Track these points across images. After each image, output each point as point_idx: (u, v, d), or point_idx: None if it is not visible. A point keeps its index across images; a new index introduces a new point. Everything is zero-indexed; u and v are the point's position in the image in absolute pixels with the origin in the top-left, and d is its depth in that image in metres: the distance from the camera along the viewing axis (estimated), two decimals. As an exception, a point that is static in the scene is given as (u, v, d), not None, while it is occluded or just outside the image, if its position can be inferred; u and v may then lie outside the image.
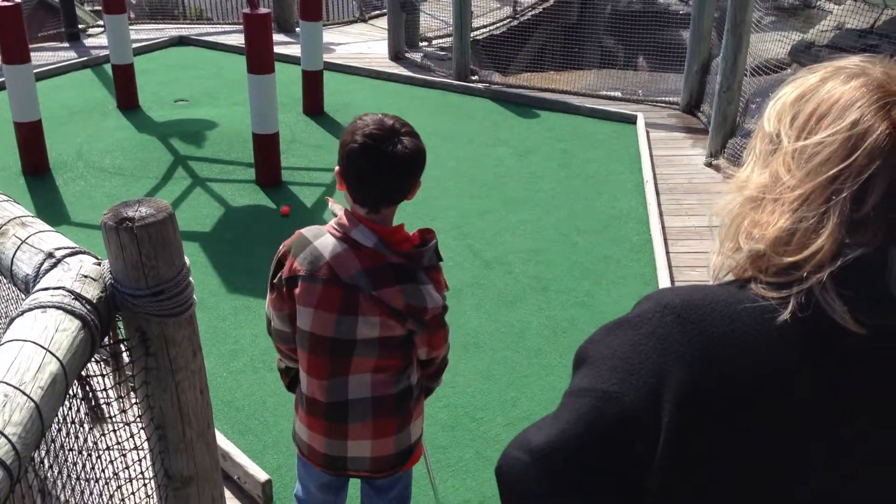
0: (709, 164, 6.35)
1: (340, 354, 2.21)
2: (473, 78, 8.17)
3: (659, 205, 5.68)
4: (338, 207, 2.25)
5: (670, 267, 4.91)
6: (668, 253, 5.06)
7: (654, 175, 6.12)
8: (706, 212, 5.44)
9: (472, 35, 8.36)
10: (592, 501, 1.06)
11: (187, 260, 1.55)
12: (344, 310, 2.14)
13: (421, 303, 2.15)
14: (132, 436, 1.65)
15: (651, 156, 6.45)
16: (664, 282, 4.72)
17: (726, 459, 1.02)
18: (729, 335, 1.01)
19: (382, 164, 2.08)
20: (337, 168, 2.18)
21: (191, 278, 1.55)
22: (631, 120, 7.21)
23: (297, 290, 2.18)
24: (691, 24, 7.21)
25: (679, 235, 5.31)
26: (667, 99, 7.70)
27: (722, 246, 1.10)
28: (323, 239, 2.18)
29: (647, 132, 6.92)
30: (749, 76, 6.48)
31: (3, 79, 6.24)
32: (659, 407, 1.01)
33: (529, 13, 10.67)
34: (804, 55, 7.24)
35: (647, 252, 5.16)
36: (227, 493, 3.21)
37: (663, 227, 5.36)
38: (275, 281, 2.24)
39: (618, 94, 8.00)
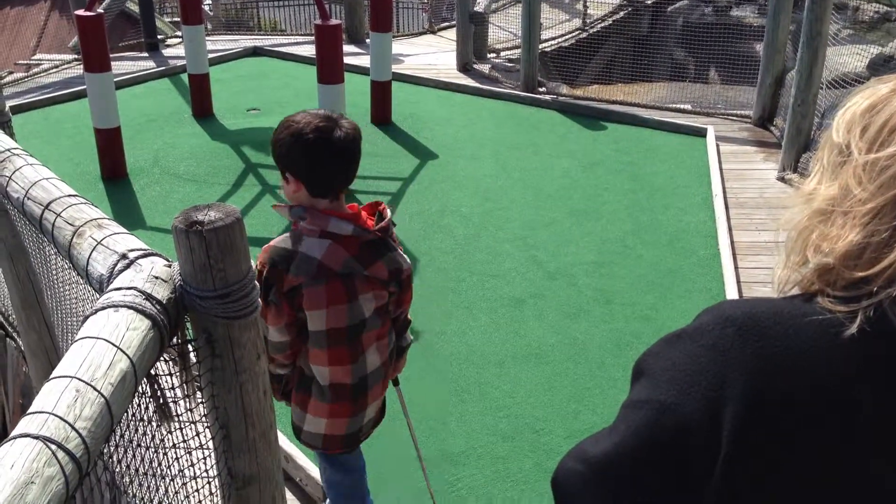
0: (781, 179, 6.21)
1: (355, 337, 2.38)
2: (541, 89, 8.16)
3: (728, 219, 5.58)
4: (283, 209, 2.35)
5: (739, 282, 4.81)
6: (736, 268, 4.96)
7: (724, 189, 6.01)
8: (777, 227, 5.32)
9: (540, 47, 8.35)
10: None
11: (253, 264, 1.59)
12: (350, 298, 2.32)
13: (398, 266, 2.41)
14: (197, 434, 1.69)
15: (721, 169, 6.34)
16: (732, 296, 4.62)
17: (787, 475, 0.99)
18: (792, 348, 0.99)
19: (339, 150, 2.26)
20: (286, 174, 2.30)
21: (256, 282, 1.58)
22: (701, 133, 7.10)
23: (303, 300, 2.28)
24: (765, 36, 7.07)
25: (749, 251, 5.20)
26: (739, 112, 7.57)
27: (788, 259, 1.08)
28: (305, 243, 2.29)
29: (718, 145, 6.81)
30: (825, 89, 6.32)
31: (84, 87, 6.47)
32: (718, 420, 0.99)
33: (599, 25, 10.60)
34: (884, 69, 7.03)
35: (714, 267, 5.07)
36: (289, 495, 3.26)
37: (732, 242, 5.25)
38: (270, 298, 2.29)
39: (688, 106, 7.88)
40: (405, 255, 2.45)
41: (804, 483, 0.99)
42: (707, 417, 1.00)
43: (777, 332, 1.00)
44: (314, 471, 3.31)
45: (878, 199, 0.98)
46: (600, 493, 1.06)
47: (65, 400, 1.18)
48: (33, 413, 1.16)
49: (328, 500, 2.80)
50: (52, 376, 1.24)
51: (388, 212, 2.40)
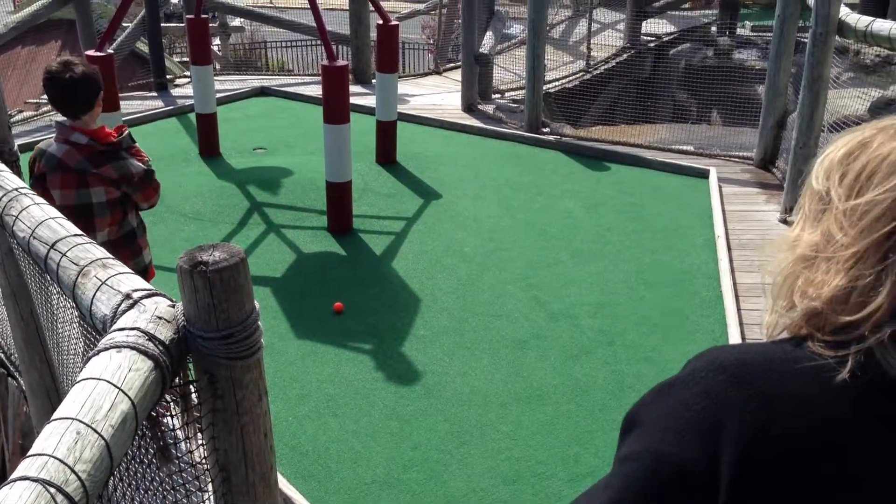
0: (783, 221, 6.23)
1: (85, 216, 3.34)
2: (545, 130, 8.22)
3: (731, 260, 5.58)
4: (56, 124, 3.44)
5: (741, 324, 4.80)
6: (739, 310, 4.95)
7: (726, 230, 6.02)
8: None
9: (544, 88, 8.43)
10: None
11: (257, 304, 1.59)
12: (78, 186, 3.38)
13: (128, 171, 3.45)
14: (197, 478, 1.68)
15: (723, 211, 6.36)
16: (735, 338, 4.62)
17: None
18: (785, 394, 0.99)
19: (62, 84, 3.34)
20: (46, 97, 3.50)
21: (260, 322, 1.59)
22: (703, 174, 7.14)
23: (47, 182, 3.38)
24: (767, 79, 7.14)
25: (750, 292, 5.20)
26: (741, 154, 7.61)
27: (775, 304, 1.09)
28: (53, 146, 3.41)
29: (720, 187, 6.84)
30: (826, 132, 6.37)
31: (93, 126, 6.54)
32: (716, 468, 0.99)
33: (602, 67, 10.71)
34: (885, 111, 7.07)
35: (717, 308, 5.06)
36: (288, 538, 3.23)
37: (735, 284, 5.26)
38: (31, 182, 3.33)
39: (690, 148, 7.93)
40: (139, 164, 3.48)
41: None
42: (704, 465, 1.00)
43: (769, 377, 1.01)
44: (314, 512, 3.29)
45: (860, 244, 1.00)
46: None
47: (65, 442, 1.18)
48: (33, 455, 1.16)
49: None
50: (53, 417, 1.25)
51: (126, 132, 3.47)
